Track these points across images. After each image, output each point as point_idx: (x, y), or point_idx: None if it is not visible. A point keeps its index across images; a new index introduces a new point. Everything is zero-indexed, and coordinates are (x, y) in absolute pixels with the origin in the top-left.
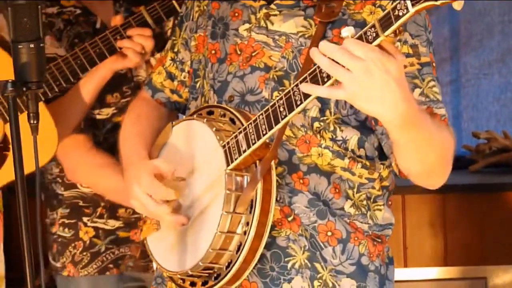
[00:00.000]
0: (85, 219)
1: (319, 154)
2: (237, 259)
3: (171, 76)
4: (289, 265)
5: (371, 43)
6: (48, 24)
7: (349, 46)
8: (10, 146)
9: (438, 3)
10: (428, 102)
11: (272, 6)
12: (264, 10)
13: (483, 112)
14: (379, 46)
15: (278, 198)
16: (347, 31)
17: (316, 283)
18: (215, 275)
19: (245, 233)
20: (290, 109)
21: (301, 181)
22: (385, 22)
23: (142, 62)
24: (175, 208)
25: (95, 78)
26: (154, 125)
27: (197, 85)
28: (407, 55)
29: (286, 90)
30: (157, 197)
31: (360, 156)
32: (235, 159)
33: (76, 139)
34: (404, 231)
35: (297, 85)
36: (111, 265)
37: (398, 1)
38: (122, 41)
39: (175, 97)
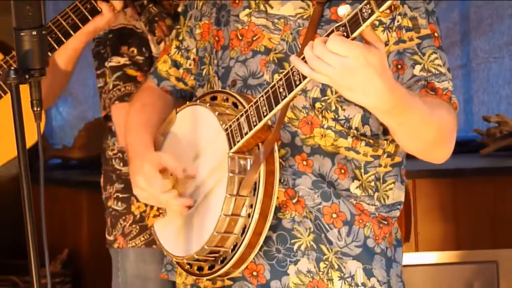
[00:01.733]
0: None
1: (322, 135)
2: (242, 241)
3: (176, 64)
4: (295, 247)
5: (366, 19)
6: None
7: (331, 45)
8: None
9: None
10: (430, 76)
11: None
12: None
13: (494, 95)
14: (362, 36)
15: (282, 181)
16: (343, 9)
17: (322, 264)
18: (221, 258)
19: (249, 215)
20: (290, 89)
21: (304, 162)
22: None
23: (111, 22)
24: (180, 193)
25: (67, 49)
26: (160, 114)
27: (203, 72)
28: (407, 29)
29: (285, 71)
30: (155, 189)
31: (363, 134)
32: (238, 142)
33: (125, 106)
34: (415, 216)
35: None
36: None
37: None
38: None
39: (180, 85)
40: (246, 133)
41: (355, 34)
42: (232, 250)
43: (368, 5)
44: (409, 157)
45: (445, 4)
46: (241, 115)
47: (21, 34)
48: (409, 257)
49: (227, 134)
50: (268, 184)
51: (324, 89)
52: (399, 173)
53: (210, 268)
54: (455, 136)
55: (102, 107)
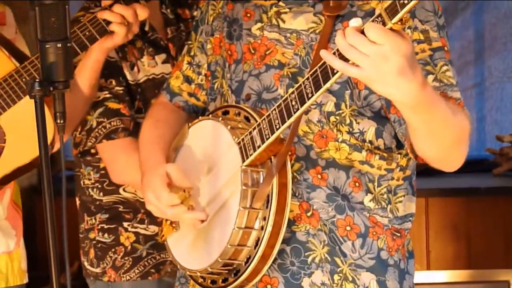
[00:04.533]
0: (125, 224)
1: (336, 149)
2: (256, 254)
3: (188, 80)
4: (309, 259)
5: None
6: None
7: (367, 30)
8: (6, 138)
9: None
10: (443, 86)
11: (281, 3)
12: (274, 9)
13: (507, 115)
14: (392, 29)
15: (296, 194)
16: (355, 22)
17: (336, 277)
18: (234, 271)
19: (262, 228)
20: (302, 102)
21: (319, 176)
22: (391, 10)
23: (130, 35)
24: (193, 207)
25: (88, 63)
26: (173, 129)
27: (215, 86)
28: (418, 42)
29: (298, 84)
30: (162, 203)
31: (377, 148)
32: (250, 155)
33: (123, 142)
34: (427, 234)
35: (308, 79)
36: (152, 270)
37: None
38: (101, 13)
39: (193, 100)
40: (259, 146)
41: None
42: (246, 262)
43: (379, 17)
44: (422, 175)
45: (460, 22)
46: (254, 129)
47: (46, 46)
48: (421, 276)
49: (240, 148)
50: (281, 197)
51: (338, 103)
52: (410, 185)
53: (224, 281)
54: (468, 144)
55: (75, 143)
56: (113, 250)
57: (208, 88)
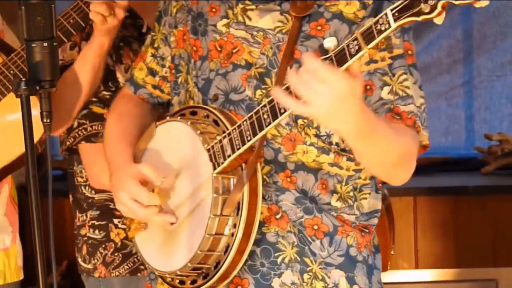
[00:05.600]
0: (115, 220)
1: (304, 152)
2: (225, 259)
3: (152, 72)
4: (279, 260)
5: (354, 55)
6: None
7: (322, 72)
8: None
9: (419, 19)
10: (396, 100)
11: (247, 1)
12: (240, 5)
13: (496, 114)
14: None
15: (266, 197)
16: (329, 42)
17: (306, 276)
18: (203, 274)
19: (232, 234)
20: (274, 117)
21: (288, 179)
22: (368, 36)
23: (113, 20)
24: (162, 209)
25: (90, 47)
26: (138, 122)
27: (179, 80)
28: (380, 50)
29: (270, 98)
30: (142, 203)
31: (343, 150)
32: (221, 163)
33: (100, 147)
34: (415, 233)
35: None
36: (142, 267)
37: (380, 16)
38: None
39: (157, 92)
40: (229, 155)
41: (342, 68)
42: (215, 267)
43: (355, 41)
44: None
45: (448, 21)
46: (224, 137)
47: (32, 45)
48: (409, 274)
49: (210, 155)
50: (251, 204)
51: None
52: (375, 183)
53: (192, 283)
54: (415, 161)
55: (61, 141)
56: (103, 246)
57: (172, 81)
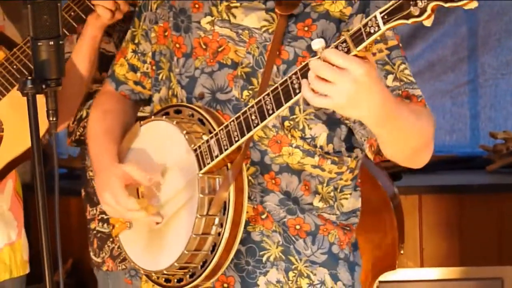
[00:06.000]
0: None
1: (289, 154)
2: (212, 258)
3: (133, 68)
4: (264, 258)
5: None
6: None
7: (329, 56)
8: (4, 127)
9: (409, 21)
10: (404, 85)
11: None
12: (225, 3)
13: (501, 112)
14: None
15: (251, 197)
16: (317, 43)
17: (291, 274)
18: (190, 273)
19: (219, 234)
20: (262, 118)
21: (273, 181)
22: (357, 38)
23: (118, 14)
24: (148, 208)
25: (85, 39)
26: (121, 120)
27: (160, 77)
28: (376, 42)
29: (258, 99)
30: (122, 206)
31: (328, 153)
32: (208, 164)
33: None
34: (420, 231)
35: (268, 95)
36: None
37: (369, 18)
38: None
39: (139, 89)
40: (217, 156)
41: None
42: (202, 266)
43: (344, 43)
44: (415, 172)
45: (453, 19)
46: (211, 137)
47: (38, 44)
48: (414, 273)
49: (196, 155)
50: (237, 204)
51: (292, 107)
52: (355, 183)
53: (179, 281)
54: (433, 142)
55: (69, 132)
56: (111, 239)
57: (153, 78)
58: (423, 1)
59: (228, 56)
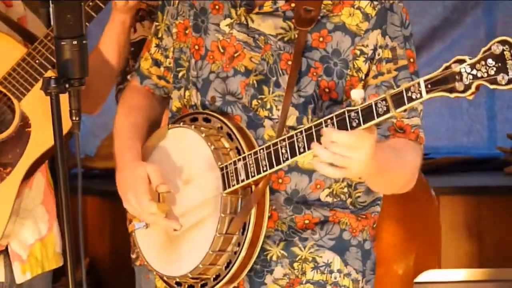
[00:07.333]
0: None
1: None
2: (226, 274)
3: (157, 63)
4: (268, 257)
5: (381, 115)
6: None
7: (349, 137)
8: (31, 123)
9: (452, 95)
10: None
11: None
12: (244, 6)
13: None
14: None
15: None
16: (357, 94)
17: (295, 264)
18: (201, 282)
19: (235, 252)
20: (292, 154)
21: (279, 180)
22: (397, 100)
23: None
24: (168, 214)
25: (114, 24)
26: (146, 115)
27: (179, 74)
28: (387, 60)
29: (290, 134)
30: (143, 209)
31: None
32: (233, 186)
33: None
34: None
35: (301, 132)
36: None
37: (412, 83)
38: None
39: (162, 83)
40: (243, 180)
41: (366, 125)
42: (215, 279)
43: (384, 102)
44: (433, 173)
45: (471, 21)
46: (239, 160)
47: (62, 43)
48: (433, 274)
49: (222, 174)
50: (257, 226)
51: (301, 117)
52: None
53: (190, 287)
54: (417, 174)
55: None
56: None
57: (173, 74)
58: (468, 79)
59: (242, 63)
